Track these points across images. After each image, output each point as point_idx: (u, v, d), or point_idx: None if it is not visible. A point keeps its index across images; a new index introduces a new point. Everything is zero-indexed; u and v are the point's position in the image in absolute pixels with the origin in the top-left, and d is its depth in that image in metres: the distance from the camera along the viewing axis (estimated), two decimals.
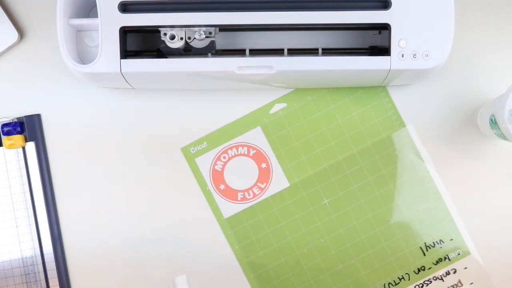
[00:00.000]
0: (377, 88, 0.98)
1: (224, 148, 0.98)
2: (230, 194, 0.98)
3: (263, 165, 0.98)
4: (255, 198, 0.98)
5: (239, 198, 0.98)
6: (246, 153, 0.98)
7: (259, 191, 0.98)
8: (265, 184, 0.98)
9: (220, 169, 0.98)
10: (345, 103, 0.98)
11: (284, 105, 0.98)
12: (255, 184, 0.98)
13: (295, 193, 0.98)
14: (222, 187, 0.98)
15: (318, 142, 0.98)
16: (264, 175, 0.98)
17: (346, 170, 0.98)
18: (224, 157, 0.98)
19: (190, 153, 0.98)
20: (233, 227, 0.98)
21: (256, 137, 0.98)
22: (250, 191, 0.98)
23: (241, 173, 0.98)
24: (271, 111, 0.98)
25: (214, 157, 0.98)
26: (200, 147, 0.98)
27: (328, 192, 0.98)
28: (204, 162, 0.98)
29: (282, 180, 0.98)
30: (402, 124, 0.98)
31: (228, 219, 0.98)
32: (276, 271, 0.98)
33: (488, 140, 0.97)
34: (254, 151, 0.98)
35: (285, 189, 0.98)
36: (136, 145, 0.98)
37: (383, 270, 0.95)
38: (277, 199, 0.98)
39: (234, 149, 0.98)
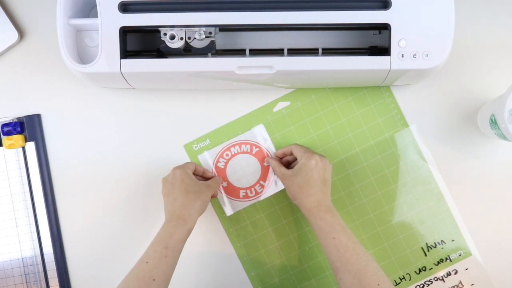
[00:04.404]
0: (380, 88, 0.97)
1: (227, 145, 0.98)
2: (233, 191, 0.99)
3: (266, 163, 0.98)
4: (257, 196, 0.98)
5: (241, 196, 0.98)
6: (249, 151, 0.98)
7: (261, 189, 0.98)
8: (267, 182, 0.98)
9: (222, 167, 0.98)
10: (349, 103, 0.98)
11: (287, 103, 0.98)
12: (257, 182, 0.98)
13: None
14: (224, 184, 0.98)
15: (321, 141, 0.98)
16: (267, 173, 0.98)
17: (348, 170, 0.98)
18: (227, 155, 0.98)
19: (193, 150, 0.98)
20: (235, 225, 0.98)
21: (259, 135, 0.98)
22: (253, 189, 0.98)
23: (243, 171, 0.98)
24: (275, 109, 0.98)
25: (217, 155, 0.98)
26: (203, 144, 0.98)
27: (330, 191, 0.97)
28: (207, 159, 0.98)
29: None
30: (405, 124, 0.97)
31: (230, 217, 0.98)
32: (277, 269, 0.98)
33: (488, 140, 0.97)
34: (257, 149, 0.98)
35: None
36: (136, 145, 0.98)
37: (384, 270, 0.94)
38: (279, 198, 0.98)
39: (237, 147, 0.98)
